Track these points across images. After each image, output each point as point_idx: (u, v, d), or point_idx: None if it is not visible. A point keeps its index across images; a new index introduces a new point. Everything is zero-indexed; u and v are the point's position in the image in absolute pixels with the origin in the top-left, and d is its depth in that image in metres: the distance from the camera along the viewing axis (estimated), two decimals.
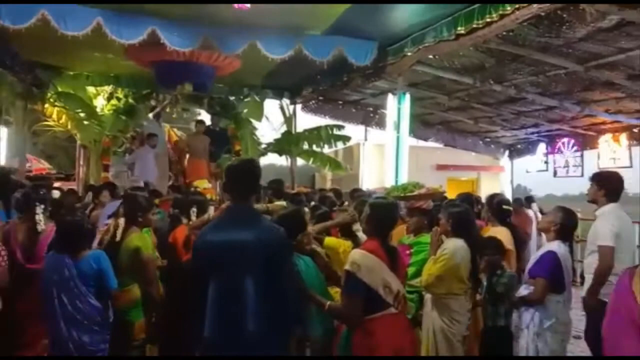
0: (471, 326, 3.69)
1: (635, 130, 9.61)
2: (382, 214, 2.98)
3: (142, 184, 8.02)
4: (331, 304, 2.89)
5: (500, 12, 5.14)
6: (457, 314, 3.50)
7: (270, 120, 13.06)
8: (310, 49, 6.84)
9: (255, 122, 11.53)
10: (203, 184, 8.15)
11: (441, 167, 15.64)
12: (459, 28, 5.84)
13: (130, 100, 10.60)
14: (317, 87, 9.83)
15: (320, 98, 11.42)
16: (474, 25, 5.62)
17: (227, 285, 2.45)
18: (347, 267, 2.78)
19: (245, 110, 11.39)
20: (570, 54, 6.69)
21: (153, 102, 11.01)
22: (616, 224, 3.92)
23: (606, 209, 4.04)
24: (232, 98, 11.34)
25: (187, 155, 10.26)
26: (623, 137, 9.88)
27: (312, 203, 5.42)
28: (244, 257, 2.45)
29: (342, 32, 6.90)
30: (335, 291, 3.25)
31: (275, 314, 2.43)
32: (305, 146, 11.54)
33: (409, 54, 6.99)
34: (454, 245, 3.50)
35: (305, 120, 12.58)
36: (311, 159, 11.78)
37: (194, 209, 4.47)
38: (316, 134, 11.30)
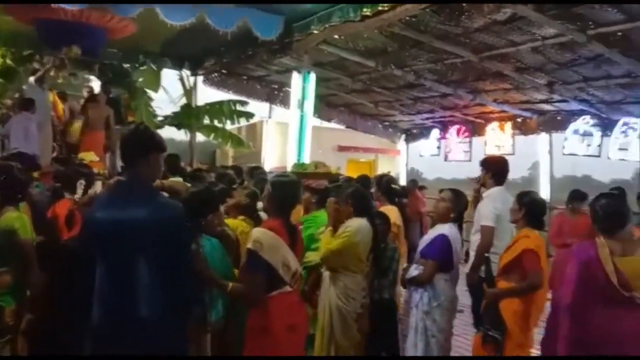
0: None
1: (519, 120, 10.40)
2: (284, 192, 2.91)
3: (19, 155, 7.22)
4: (234, 285, 2.78)
5: None
6: (353, 291, 3.57)
7: (169, 91, 12.38)
8: (214, 17, 6.52)
9: (151, 93, 10.86)
10: (89, 157, 7.50)
11: (342, 149, 15.93)
12: (364, 10, 5.88)
13: (9, 62, 9.47)
14: (221, 59, 9.48)
15: (224, 71, 11.04)
16: (380, 8, 5.67)
17: (118, 268, 2.21)
18: (249, 245, 2.69)
19: (140, 79, 10.67)
20: (467, 43, 7.01)
21: (36, 65, 9.91)
22: (498, 206, 4.19)
23: (491, 191, 4.33)
24: (126, 65, 10.57)
25: (81, 126, 9.37)
26: (508, 126, 10.65)
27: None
28: (136, 237, 2.21)
29: (248, 3, 6.65)
30: None
31: (171, 297, 2.24)
32: (206, 121, 11.12)
33: (315, 31, 6.93)
34: (358, 224, 3.55)
35: (207, 94, 12.11)
36: (212, 135, 11.39)
37: (82, 182, 4.08)
38: (218, 109, 10.92)
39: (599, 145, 9.05)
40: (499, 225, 4.16)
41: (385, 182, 5.07)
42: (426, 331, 3.78)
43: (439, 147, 12.56)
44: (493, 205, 4.22)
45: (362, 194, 3.78)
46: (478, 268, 4.14)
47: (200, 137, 11.67)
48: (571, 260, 2.86)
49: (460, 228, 4.05)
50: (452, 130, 11.97)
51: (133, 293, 2.19)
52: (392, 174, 10.68)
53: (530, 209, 3.68)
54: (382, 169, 15.29)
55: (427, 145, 12.86)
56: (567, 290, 2.76)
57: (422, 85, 9.24)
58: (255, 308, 2.73)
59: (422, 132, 12.97)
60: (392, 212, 4.52)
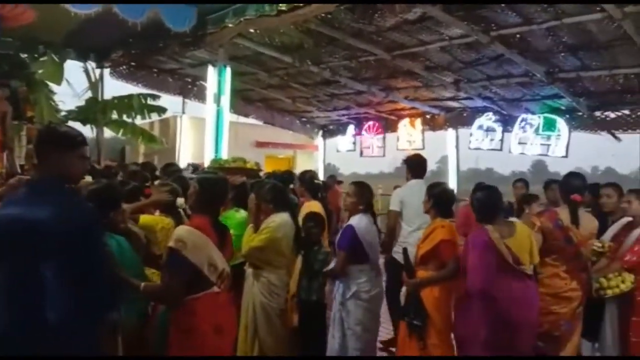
0: None
1: (428, 116, 10.90)
2: (211, 190, 2.83)
3: None
4: (147, 285, 2.65)
5: None
6: (277, 287, 3.56)
7: (73, 84, 11.60)
8: (122, 7, 6.20)
9: (53, 86, 10.13)
10: None
11: (260, 144, 15.82)
12: (280, 5, 5.85)
13: None
14: (129, 50, 9.03)
15: (133, 64, 10.52)
16: (295, 4, 5.68)
17: (21, 271, 2.04)
18: (171, 244, 2.59)
19: (40, 71, 9.89)
20: (380, 41, 7.21)
21: None
22: (402, 193, 4.75)
23: (408, 183, 4.74)
24: (24, 56, 9.76)
25: None
26: (418, 122, 11.12)
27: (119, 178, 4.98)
28: (40, 238, 2.05)
29: None
30: (152, 272, 3.01)
31: (81, 301, 2.10)
32: (115, 116, 10.57)
33: (230, 25, 6.80)
34: (281, 219, 3.55)
35: (115, 88, 11.50)
36: (121, 130, 10.85)
37: None
38: (127, 103, 10.42)
39: (501, 140, 9.70)
40: (404, 210, 4.69)
41: (309, 178, 5.12)
42: (342, 322, 3.87)
43: (354, 143, 12.85)
44: (398, 193, 4.79)
45: (281, 189, 3.79)
46: (389, 248, 4.67)
47: (108, 132, 11.07)
48: (469, 246, 3.37)
49: (374, 217, 4.20)
50: (367, 126, 12.30)
51: (38, 297, 2.03)
52: (311, 169, 10.86)
53: (439, 199, 3.86)
54: (300, 164, 15.39)
55: (344, 141, 13.12)
56: (475, 271, 3.28)
57: (338, 82, 9.39)
58: (180, 309, 2.62)
59: (339, 128, 13.21)
60: (315, 207, 4.54)
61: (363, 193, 4.09)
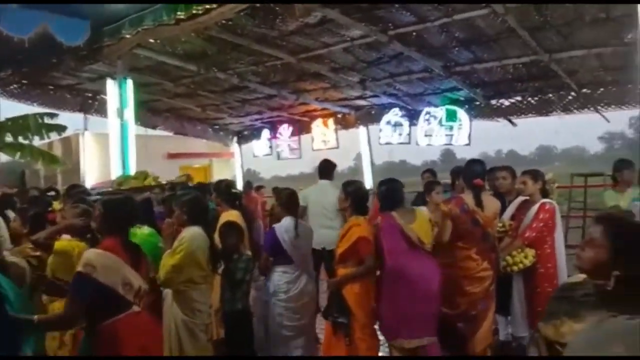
0: None
1: (340, 116, 11.12)
2: (116, 211, 2.79)
3: None
4: (40, 317, 2.53)
5: None
6: (199, 303, 3.48)
7: None
8: (6, 23, 5.77)
9: None
10: None
11: (172, 156, 15.33)
12: (178, 13, 5.72)
13: None
14: (19, 68, 8.40)
15: (24, 82, 9.79)
16: (194, 11, 5.58)
17: None
18: (79, 268, 2.53)
19: None
20: (284, 45, 7.26)
21: None
22: (307, 190, 5.70)
23: (319, 183, 5.56)
24: None
25: None
26: (331, 122, 11.32)
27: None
28: None
29: (47, 7, 6.01)
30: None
31: None
32: (9, 138, 9.80)
33: (128, 35, 6.56)
34: (192, 233, 3.47)
35: (7, 108, 10.67)
36: (18, 154, 10.09)
37: None
38: (22, 124, 9.72)
39: (409, 134, 10.11)
40: (309, 205, 5.45)
41: (225, 187, 4.99)
42: (265, 319, 4.08)
43: (270, 147, 12.82)
44: (304, 191, 5.60)
45: (197, 203, 3.69)
46: None
47: (3, 157, 10.26)
48: (381, 232, 3.82)
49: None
50: (281, 129, 12.33)
51: None
52: (229, 176, 10.69)
53: (355, 197, 3.96)
54: (217, 172, 15.11)
55: (260, 146, 13.05)
56: (388, 251, 3.77)
57: (247, 87, 9.34)
58: (101, 334, 2.56)
59: (253, 133, 13.13)
60: (234, 217, 4.47)
61: (279, 198, 4.38)
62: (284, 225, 4.08)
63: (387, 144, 10.51)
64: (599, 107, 8.21)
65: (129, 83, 7.43)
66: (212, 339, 3.66)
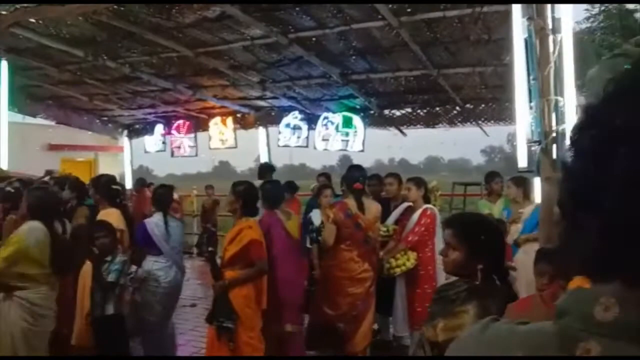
0: None
1: (239, 115, 10.96)
2: None
3: None
4: None
5: None
6: (41, 307, 3.21)
7: None
8: None
9: None
10: None
11: (54, 147, 14.17)
12: None
13: None
14: None
15: None
16: None
17: None
18: None
19: None
20: (181, 38, 6.98)
21: None
22: None
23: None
24: None
25: None
26: (229, 121, 11.11)
27: None
28: None
29: None
30: None
31: None
32: None
33: (4, 12, 5.93)
34: (29, 226, 3.25)
35: None
36: None
37: None
38: None
39: (307, 137, 10.23)
40: None
41: (104, 183, 4.66)
42: (135, 304, 4.17)
43: (164, 143, 12.30)
44: None
45: (40, 198, 3.44)
46: None
47: None
48: (266, 228, 4.10)
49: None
50: (177, 125, 11.89)
51: None
52: (117, 172, 10.07)
53: (246, 198, 3.90)
54: (104, 167, 14.19)
55: (152, 141, 12.46)
56: (272, 244, 4.14)
57: (140, 78, 8.86)
58: None
59: (146, 127, 12.50)
60: (113, 215, 4.21)
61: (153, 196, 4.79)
62: (154, 221, 4.31)
63: (285, 146, 10.55)
64: (480, 122, 8.89)
65: (3, 65, 6.74)
66: (81, 345, 3.40)
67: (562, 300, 0.56)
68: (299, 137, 10.29)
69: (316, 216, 5.12)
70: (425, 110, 9.17)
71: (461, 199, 10.18)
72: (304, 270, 4.67)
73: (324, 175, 6.75)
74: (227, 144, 11.28)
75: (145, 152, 12.73)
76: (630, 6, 8.42)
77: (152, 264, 4.25)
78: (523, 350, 0.54)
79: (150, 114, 11.69)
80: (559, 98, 3.28)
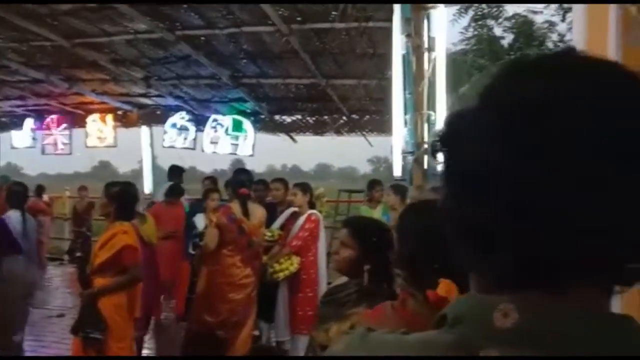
0: None
1: (120, 112, 10.35)
2: None
3: None
4: None
5: None
6: None
7: None
8: None
9: None
10: None
11: None
12: None
13: None
14: None
15: None
16: None
17: None
18: None
19: None
20: (56, 26, 6.43)
21: None
22: None
23: None
24: None
25: None
26: (109, 118, 10.44)
27: None
28: None
29: None
30: None
31: None
32: None
33: None
34: None
35: None
36: None
37: None
38: None
39: (194, 139, 9.93)
40: None
41: None
42: None
43: (34, 139, 11.23)
44: None
45: None
46: None
47: None
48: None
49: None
50: (50, 120, 10.91)
51: None
52: None
53: (121, 201, 3.68)
54: None
55: (21, 136, 11.29)
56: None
57: (7, 67, 8.02)
58: None
59: (13, 120, 11.32)
60: None
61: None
62: (13, 218, 4.24)
63: (170, 147, 10.13)
64: (364, 132, 9.27)
65: None
66: None
67: (453, 308, 0.53)
68: (185, 139, 9.95)
69: (200, 221, 4.99)
70: (314, 118, 9.37)
71: (346, 205, 10.52)
72: (156, 277, 4.54)
73: (210, 179, 6.61)
74: (106, 143, 10.59)
75: (12, 147, 11.53)
76: (498, 32, 9.34)
77: (11, 262, 4.09)
78: None
79: (19, 106, 10.62)
80: (431, 112, 3.52)
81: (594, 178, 0.47)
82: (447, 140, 0.56)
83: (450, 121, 0.57)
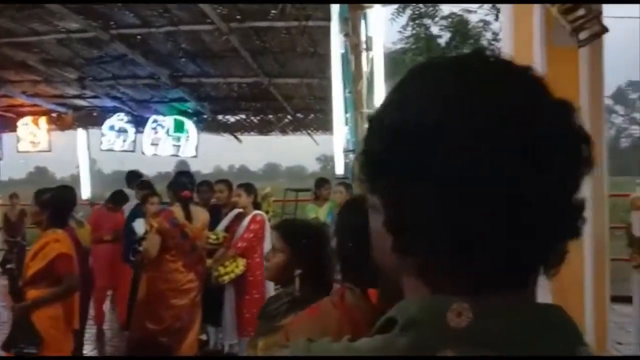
0: None
1: (54, 115, 9.88)
2: None
3: None
4: None
5: None
6: None
7: None
8: None
9: None
10: None
11: None
12: None
13: None
14: None
15: None
16: None
17: None
18: None
19: None
20: None
21: None
22: None
23: None
24: None
25: None
26: (43, 121, 9.96)
27: None
28: None
29: None
30: None
31: None
32: None
33: None
34: None
35: None
36: None
37: None
38: None
39: (134, 141, 9.63)
40: None
41: None
42: None
43: None
44: None
45: None
46: None
47: None
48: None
49: None
50: None
51: None
52: None
53: (53, 207, 3.52)
54: None
55: None
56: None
57: None
58: None
59: None
60: None
61: None
62: None
63: (109, 150, 9.79)
64: (310, 131, 9.28)
65: None
66: None
67: (403, 310, 0.52)
68: (124, 141, 9.64)
69: (139, 226, 4.83)
70: (258, 118, 9.30)
71: (293, 204, 10.50)
72: (89, 283, 4.39)
73: (146, 183, 6.42)
74: (40, 147, 10.11)
75: None
76: (435, 31, 9.61)
77: None
78: None
79: None
80: (371, 111, 3.56)
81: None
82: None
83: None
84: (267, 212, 6.51)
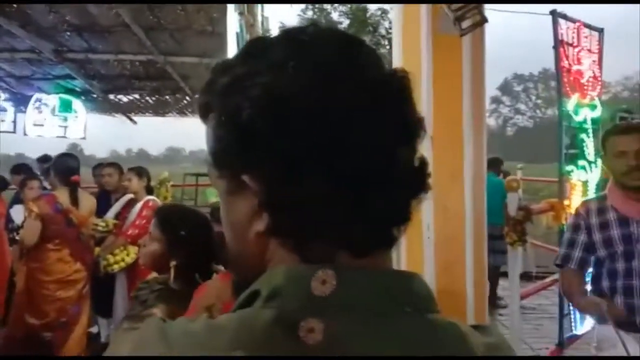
0: None
1: None
2: None
3: None
4: None
5: None
6: None
7: None
8: None
9: None
10: None
11: None
12: None
13: None
14: None
15: None
16: None
17: None
18: None
19: None
20: None
21: None
22: None
23: None
24: None
25: None
26: None
27: None
28: None
29: None
30: None
31: None
32: None
33: None
34: None
35: None
36: None
37: None
38: None
39: (14, 121, 8.80)
40: None
41: None
42: None
43: None
44: None
45: None
46: None
47: None
48: None
49: None
50: None
51: None
52: None
53: None
54: None
55: None
56: None
57: None
58: None
59: None
60: None
61: None
62: None
63: None
64: None
65: None
66: None
67: (267, 281, 0.50)
68: (3, 121, 8.77)
69: (18, 212, 4.43)
70: (154, 98, 8.85)
71: (193, 189, 10.22)
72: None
73: (22, 166, 5.90)
74: None
75: None
76: (335, 17, 9.72)
77: None
78: (244, 348, 0.45)
79: None
80: None
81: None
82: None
83: None
84: (165, 198, 6.27)
